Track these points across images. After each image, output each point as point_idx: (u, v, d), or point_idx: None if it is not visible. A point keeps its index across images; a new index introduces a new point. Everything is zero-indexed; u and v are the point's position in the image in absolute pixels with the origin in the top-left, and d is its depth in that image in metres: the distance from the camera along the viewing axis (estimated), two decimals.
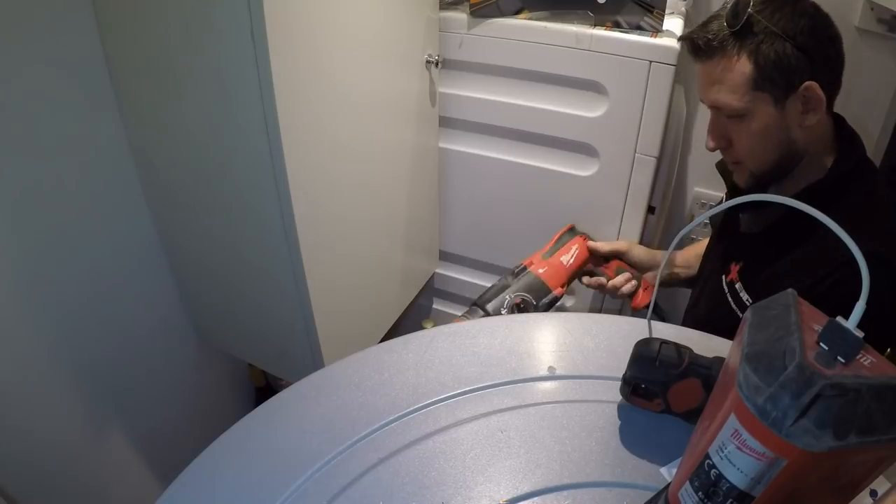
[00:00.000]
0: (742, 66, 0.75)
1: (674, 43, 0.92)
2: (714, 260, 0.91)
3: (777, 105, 0.76)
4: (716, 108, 0.80)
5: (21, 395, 0.81)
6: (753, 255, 0.81)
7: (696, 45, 0.79)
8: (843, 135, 0.80)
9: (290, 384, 0.49)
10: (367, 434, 0.44)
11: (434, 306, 1.38)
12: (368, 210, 0.94)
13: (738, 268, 0.82)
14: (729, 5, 0.77)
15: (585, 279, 1.01)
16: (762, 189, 0.82)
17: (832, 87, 0.77)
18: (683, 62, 1.01)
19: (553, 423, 0.44)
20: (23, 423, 0.82)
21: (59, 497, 0.90)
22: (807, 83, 0.74)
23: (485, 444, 0.43)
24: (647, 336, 0.47)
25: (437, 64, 0.99)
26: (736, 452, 0.28)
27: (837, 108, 0.77)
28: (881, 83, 1.13)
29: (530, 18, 0.97)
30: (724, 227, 0.93)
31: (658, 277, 0.50)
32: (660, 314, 0.98)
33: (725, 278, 0.83)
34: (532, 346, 0.51)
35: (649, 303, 0.60)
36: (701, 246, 1.04)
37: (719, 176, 0.96)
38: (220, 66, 0.68)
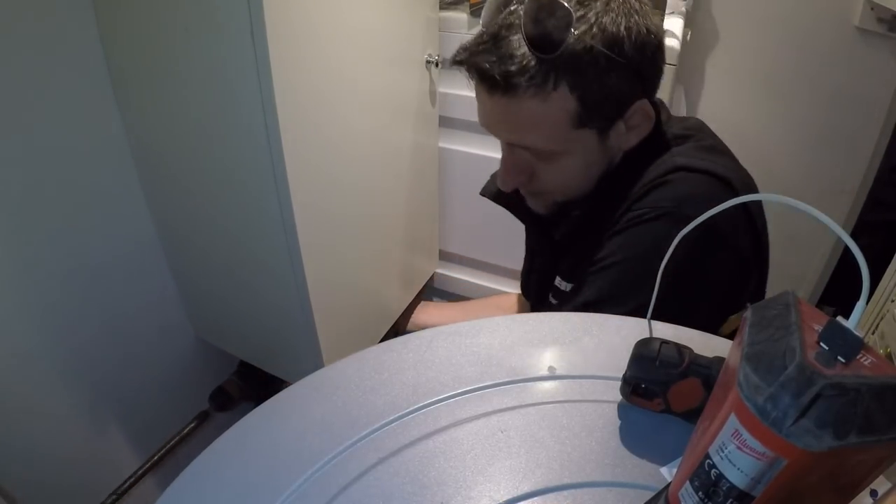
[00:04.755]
0: (560, 104, 0.58)
1: (674, 43, 0.92)
2: (544, 259, 0.83)
3: (601, 136, 0.63)
4: (517, 147, 0.64)
5: (21, 394, 0.81)
6: (575, 254, 0.73)
7: (491, 78, 0.57)
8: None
9: (290, 384, 0.49)
10: (367, 434, 0.44)
11: None
12: (368, 209, 0.94)
13: (563, 269, 0.76)
14: (530, 18, 0.55)
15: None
16: (566, 210, 0.71)
17: (655, 93, 0.64)
18: (684, 62, 1.01)
19: (553, 423, 0.44)
20: (23, 423, 0.82)
21: (59, 497, 0.90)
22: (637, 104, 0.61)
23: (485, 444, 0.43)
24: (648, 336, 0.47)
25: (437, 64, 0.99)
26: (736, 452, 0.28)
27: (838, 109, 0.76)
28: (881, 83, 1.13)
29: None
30: (540, 233, 0.83)
31: (659, 276, 0.50)
32: None
33: (557, 279, 0.77)
34: (532, 346, 0.51)
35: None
36: (500, 300, 1.05)
37: None
38: (220, 66, 0.68)
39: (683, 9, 1.04)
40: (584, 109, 0.59)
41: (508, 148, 0.65)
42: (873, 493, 0.36)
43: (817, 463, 0.26)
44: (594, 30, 0.55)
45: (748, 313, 0.32)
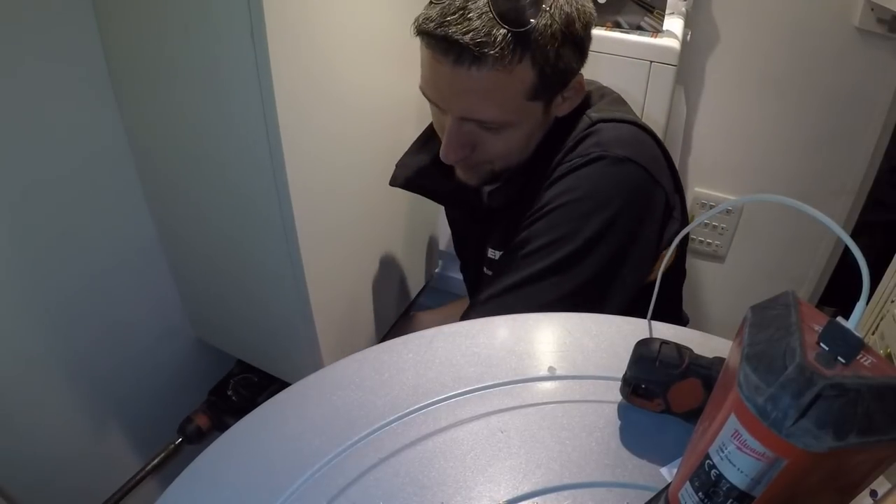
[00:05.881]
0: (522, 76, 0.61)
1: (674, 43, 0.92)
2: (474, 242, 0.85)
3: (546, 108, 0.68)
4: (468, 120, 0.66)
5: (22, 397, 0.81)
6: (505, 223, 0.74)
7: (462, 48, 0.59)
8: None
9: (290, 384, 0.49)
10: (367, 434, 0.44)
11: (434, 307, 1.38)
12: (368, 210, 0.94)
13: (495, 238, 0.78)
14: None
15: None
16: (498, 178, 0.75)
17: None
18: (684, 62, 1.01)
19: (553, 423, 0.44)
20: (23, 423, 0.82)
21: (60, 497, 0.90)
22: (576, 78, 0.67)
23: (485, 444, 0.43)
24: (648, 336, 0.47)
25: None
26: (736, 452, 0.28)
27: (838, 109, 0.77)
28: (881, 83, 1.13)
29: None
30: (463, 210, 0.87)
31: (659, 276, 0.50)
32: None
33: (489, 251, 0.79)
34: (532, 346, 0.51)
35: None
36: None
37: (719, 176, 0.95)
38: (219, 66, 0.68)
39: (683, 9, 1.04)
40: (540, 83, 0.63)
41: (458, 122, 0.66)
42: (873, 494, 0.36)
43: (817, 463, 0.26)
44: (554, 8, 0.61)
45: (748, 313, 0.32)
